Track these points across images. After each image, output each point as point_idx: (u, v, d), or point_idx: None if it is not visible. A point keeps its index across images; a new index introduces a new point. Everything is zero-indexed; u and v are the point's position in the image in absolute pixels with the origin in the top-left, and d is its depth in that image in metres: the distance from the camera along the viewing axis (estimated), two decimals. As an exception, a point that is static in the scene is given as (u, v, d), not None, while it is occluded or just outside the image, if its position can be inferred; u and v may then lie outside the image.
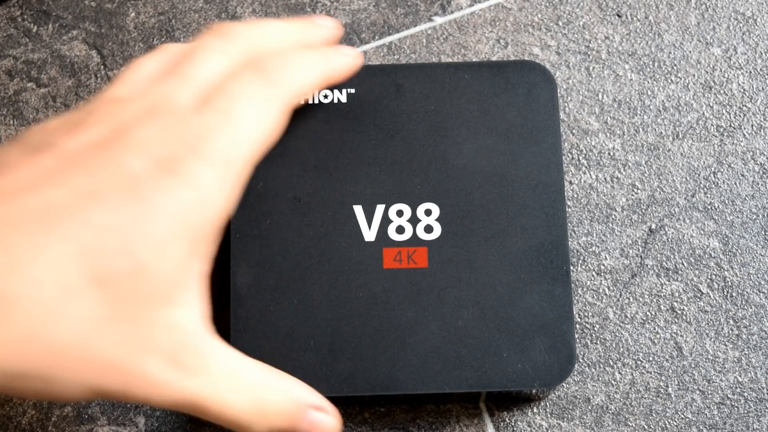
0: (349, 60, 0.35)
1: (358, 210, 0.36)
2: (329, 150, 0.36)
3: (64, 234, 0.26)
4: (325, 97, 0.37)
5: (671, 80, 0.42)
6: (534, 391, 0.35)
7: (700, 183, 0.40)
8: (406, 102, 0.37)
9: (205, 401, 0.29)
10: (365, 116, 0.36)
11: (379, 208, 0.36)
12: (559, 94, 0.39)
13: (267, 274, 0.32)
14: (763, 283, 0.39)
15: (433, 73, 0.37)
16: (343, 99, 0.37)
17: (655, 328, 0.39)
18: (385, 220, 0.36)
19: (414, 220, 0.36)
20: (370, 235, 0.35)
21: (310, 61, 0.33)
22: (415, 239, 0.35)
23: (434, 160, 0.36)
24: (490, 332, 0.34)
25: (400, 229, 0.36)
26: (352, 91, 0.37)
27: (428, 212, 0.36)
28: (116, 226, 0.26)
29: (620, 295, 0.39)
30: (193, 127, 0.29)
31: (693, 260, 0.39)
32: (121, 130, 0.28)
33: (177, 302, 0.28)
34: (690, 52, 0.42)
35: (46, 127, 0.30)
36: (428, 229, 0.36)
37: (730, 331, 0.39)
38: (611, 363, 0.38)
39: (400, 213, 0.36)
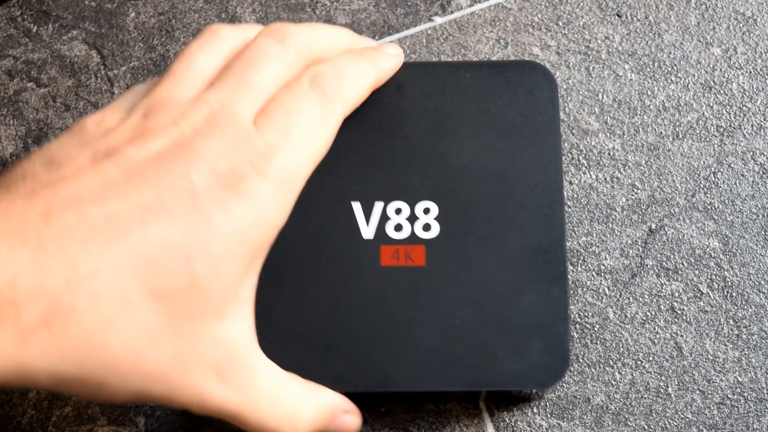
0: (394, 61, 0.36)
1: (357, 207, 0.36)
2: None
3: (125, 249, 0.26)
4: None
5: (671, 80, 0.42)
6: (532, 390, 0.35)
7: (700, 183, 0.40)
8: (406, 100, 0.37)
9: (247, 414, 0.30)
10: (365, 114, 0.36)
11: (378, 206, 0.36)
12: (559, 95, 0.39)
13: (264, 271, 0.32)
14: (763, 283, 0.39)
15: (434, 72, 0.37)
16: None
17: (655, 328, 0.39)
18: (384, 218, 0.36)
19: (412, 218, 0.36)
20: (368, 232, 0.35)
21: (363, 71, 0.34)
22: (413, 237, 0.35)
23: (434, 159, 0.36)
24: (486, 331, 0.34)
25: (399, 227, 0.35)
26: None
27: (427, 210, 0.36)
28: (175, 243, 0.27)
29: (620, 295, 0.39)
30: (254, 144, 0.29)
31: (693, 260, 0.39)
32: (184, 142, 0.29)
33: (229, 316, 0.29)
34: (690, 52, 0.42)
35: (107, 125, 0.30)
36: (426, 227, 0.35)
37: (730, 331, 0.39)
38: (611, 363, 0.38)
39: (398, 211, 0.36)
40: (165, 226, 0.27)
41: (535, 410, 0.38)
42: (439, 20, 0.43)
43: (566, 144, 0.41)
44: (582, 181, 0.40)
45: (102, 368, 0.27)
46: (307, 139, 0.31)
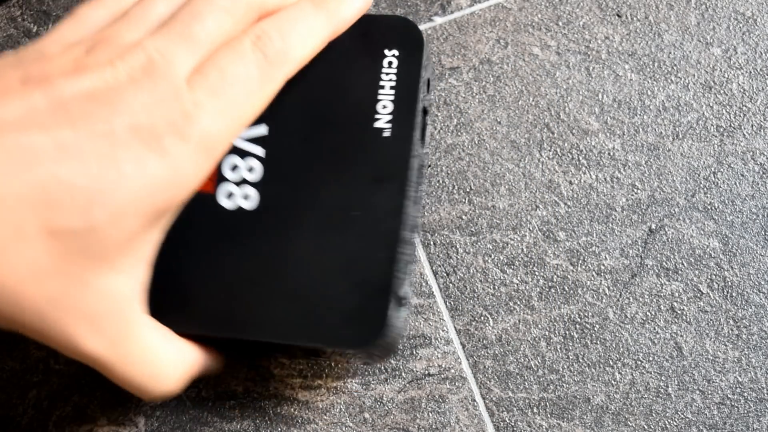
0: (357, 7, 0.33)
1: None
2: None
3: (30, 181, 0.26)
4: None
5: (671, 80, 0.42)
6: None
7: (700, 183, 0.40)
8: None
9: (116, 367, 0.29)
10: None
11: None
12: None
13: None
14: (763, 283, 0.39)
15: None
16: None
17: (655, 328, 0.39)
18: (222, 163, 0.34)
19: (246, 164, 0.34)
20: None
21: (316, 27, 0.32)
22: (245, 181, 0.33)
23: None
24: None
25: (234, 167, 0.34)
26: None
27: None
28: (81, 185, 0.26)
29: (620, 295, 0.39)
30: (181, 103, 0.28)
31: (693, 260, 0.40)
32: (116, 86, 0.28)
33: (120, 269, 0.29)
34: (690, 52, 0.42)
35: (48, 51, 0.29)
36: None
37: (730, 331, 0.39)
38: (611, 363, 0.38)
39: (236, 152, 0.34)
40: (75, 167, 0.27)
41: (535, 410, 0.38)
42: (439, 20, 0.43)
43: (566, 144, 0.41)
44: (582, 181, 0.40)
45: None
46: (237, 105, 0.30)
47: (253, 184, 0.33)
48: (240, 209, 0.33)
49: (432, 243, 0.40)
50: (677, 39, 0.42)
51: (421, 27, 0.43)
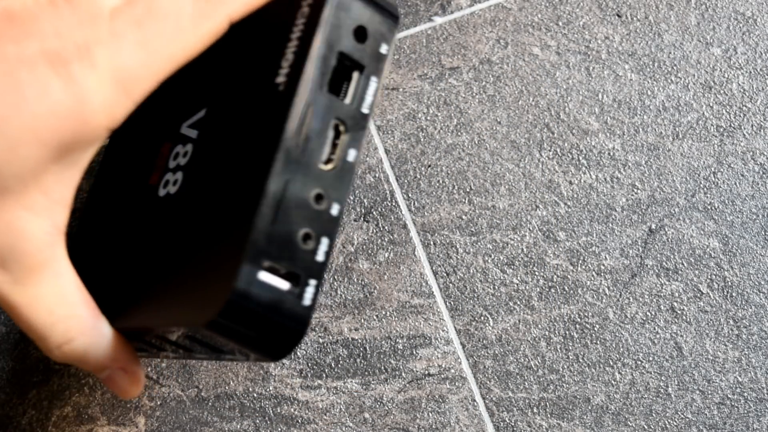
0: None
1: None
2: None
3: None
4: None
5: (671, 80, 0.42)
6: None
7: (700, 183, 0.40)
8: None
9: (16, 306, 0.28)
10: None
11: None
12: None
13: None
14: (763, 283, 0.39)
15: None
16: None
17: (655, 328, 0.39)
18: (154, 152, 0.33)
19: (183, 150, 0.32)
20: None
21: None
22: (178, 167, 0.32)
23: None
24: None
25: (176, 155, 0.33)
26: None
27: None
28: None
29: (620, 295, 0.39)
30: (96, 30, 0.27)
31: (693, 260, 0.39)
32: (34, 10, 0.27)
33: (27, 205, 0.27)
34: (690, 52, 0.42)
35: None
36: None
37: (730, 331, 0.39)
38: (611, 363, 0.38)
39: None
40: None
41: (535, 410, 0.38)
42: (439, 20, 0.43)
43: (566, 144, 0.41)
44: (582, 181, 0.40)
45: None
46: (163, 40, 0.27)
47: (181, 168, 0.32)
48: (167, 195, 0.32)
49: (432, 243, 0.40)
50: (677, 39, 0.42)
51: (421, 27, 0.43)
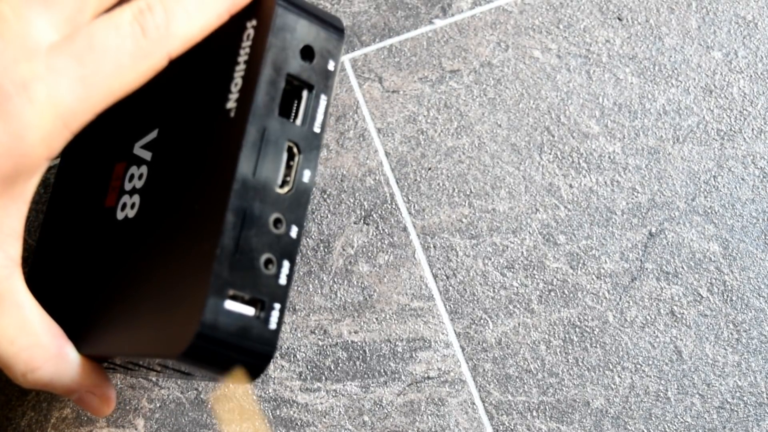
0: None
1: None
2: None
3: None
4: None
5: (672, 84, 0.42)
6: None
7: (701, 187, 0.40)
8: None
9: None
10: None
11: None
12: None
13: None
14: (762, 287, 0.39)
15: None
16: None
17: (654, 332, 0.39)
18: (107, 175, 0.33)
19: (138, 172, 0.32)
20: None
21: (206, 3, 0.28)
22: (134, 189, 0.32)
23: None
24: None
25: (131, 177, 0.33)
26: None
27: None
28: None
29: (620, 299, 0.39)
30: (34, 65, 0.27)
31: (693, 264, 0.39)
32: None
33: None
34: (691, 55, 0.42)
35: None
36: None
37: (730, 335, 0.39)
38: (611, 367, 0.38)
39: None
40: None
41: (534, 414, 0.38)
42: (439, 23, 0.43)
43: (566, 147, 0.41)
44: (582, 184, 0.40)
45: None
46: (102, 77, 0.27)
47: (138, 191, 0.32)
48: (126, 219, 0.32)
49: (432, 246, 0.40)
50: (678, 42, 0.42)
51: (422, 30, 0.43)
